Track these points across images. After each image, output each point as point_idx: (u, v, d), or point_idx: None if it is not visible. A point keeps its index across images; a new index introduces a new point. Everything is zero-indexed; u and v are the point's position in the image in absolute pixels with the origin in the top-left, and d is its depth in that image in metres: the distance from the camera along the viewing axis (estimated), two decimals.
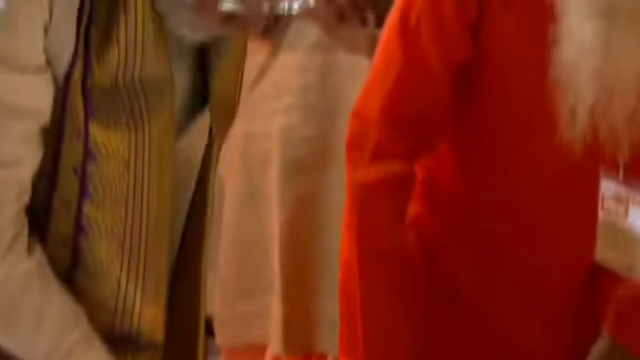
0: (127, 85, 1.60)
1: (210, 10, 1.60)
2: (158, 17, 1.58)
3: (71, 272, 1.61)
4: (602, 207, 1.93)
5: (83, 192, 1.61)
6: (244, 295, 2.55)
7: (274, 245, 2.49)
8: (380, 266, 1.98)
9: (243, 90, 1.83)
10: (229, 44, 1.68)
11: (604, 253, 1.94)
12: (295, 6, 2.38)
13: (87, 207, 1.59)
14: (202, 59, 1.69)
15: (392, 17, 2.00)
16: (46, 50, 1.53)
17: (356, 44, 2.44)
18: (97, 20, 1.55)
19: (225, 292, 2.57)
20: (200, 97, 1.68)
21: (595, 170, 1.91)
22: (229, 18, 1.60)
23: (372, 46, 2.11)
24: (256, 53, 2.42)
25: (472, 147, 2.02)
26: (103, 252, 1.59)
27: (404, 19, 1.97)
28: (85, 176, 1.60)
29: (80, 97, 1.57)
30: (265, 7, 1.61)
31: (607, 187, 1.92)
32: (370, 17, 2.33)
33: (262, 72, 2.49)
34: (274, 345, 2.50)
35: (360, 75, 2.25)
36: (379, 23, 2.22)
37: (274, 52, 2.51)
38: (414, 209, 1.99)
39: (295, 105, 2.48)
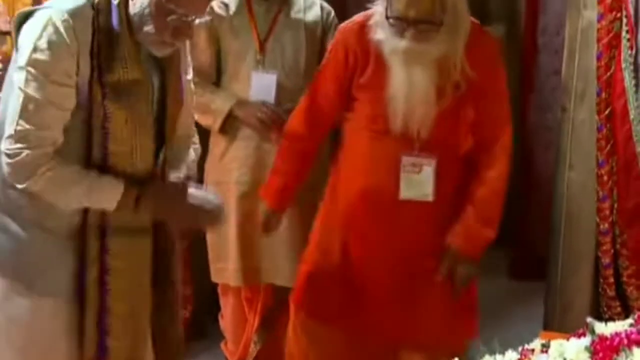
0: (123, 82, 2.50)
1: (164, 31, 2.50)
2: (137, 44, 2.55)
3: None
4: (403, 169, 3.25)
5: (105, 139, 2.54)
6: (216, 259, 4.04)
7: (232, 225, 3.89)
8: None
9: None
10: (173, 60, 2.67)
11: (405, 192, 3.25)
12: None
13: (109, 144, 2.55)
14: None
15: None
16: (77, 72, 2.48)
17: None
18: (102, 50, 2.49)
19: (211, 258, 4.06)
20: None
21: (405, 148, 3.25)
22: (175, 33, 2.52)
23: None
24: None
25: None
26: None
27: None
28: (105, 129, 2.53)
29: (99, 87, 2.50)
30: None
31: (407, 159, 3.23)
32: None
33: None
34: (236, 280, 3.95)
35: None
36: None
37: None
38: None
39: None
